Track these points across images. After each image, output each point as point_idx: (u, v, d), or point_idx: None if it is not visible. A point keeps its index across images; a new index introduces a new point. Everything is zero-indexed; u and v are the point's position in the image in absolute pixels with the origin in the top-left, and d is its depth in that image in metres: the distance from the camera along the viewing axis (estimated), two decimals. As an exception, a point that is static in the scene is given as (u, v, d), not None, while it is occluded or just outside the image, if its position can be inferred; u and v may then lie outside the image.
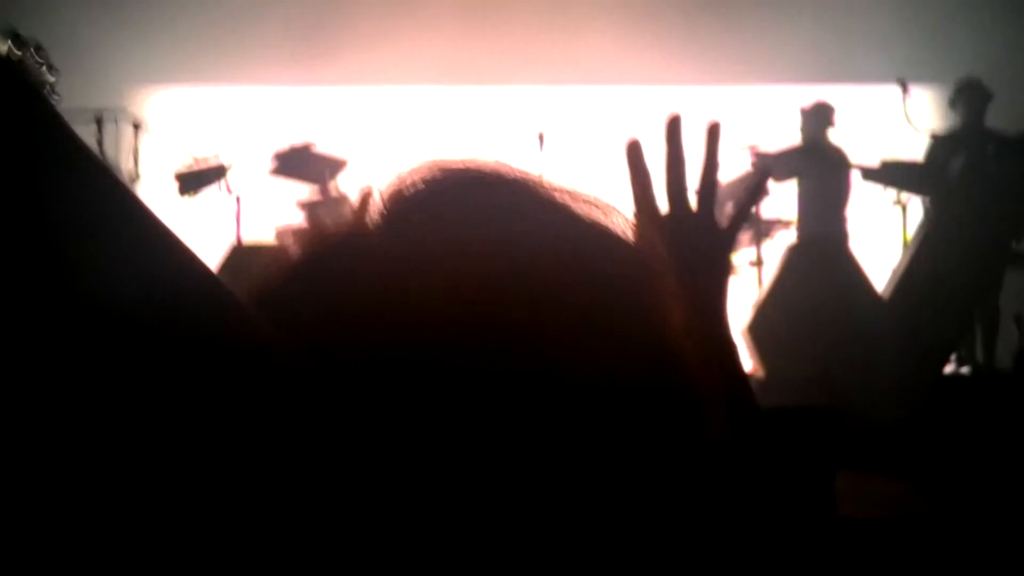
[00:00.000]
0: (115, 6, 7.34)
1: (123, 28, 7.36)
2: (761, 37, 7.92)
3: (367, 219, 0.50)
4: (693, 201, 0.88)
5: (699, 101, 8.31)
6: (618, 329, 0.47)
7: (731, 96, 8.24)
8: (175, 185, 5.72)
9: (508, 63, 7.85)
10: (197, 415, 0.37)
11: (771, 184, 5.87)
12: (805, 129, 6.26)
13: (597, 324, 0.47)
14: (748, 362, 5.09)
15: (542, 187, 0.52)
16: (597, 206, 0.52)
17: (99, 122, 5.86)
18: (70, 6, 7.15)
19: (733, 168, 5.95)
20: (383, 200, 0.51)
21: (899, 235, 5.80)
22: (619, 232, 0.52)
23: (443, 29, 7.72)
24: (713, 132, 0.90)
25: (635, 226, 0.52)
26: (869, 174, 5.79)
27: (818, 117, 6.22)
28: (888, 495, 3.57)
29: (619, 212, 0.53)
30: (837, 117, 6.25)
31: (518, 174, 0.52)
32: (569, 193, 0.52)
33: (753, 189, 0.99)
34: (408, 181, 0.51)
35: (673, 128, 0.89)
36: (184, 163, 5.88)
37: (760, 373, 4.78)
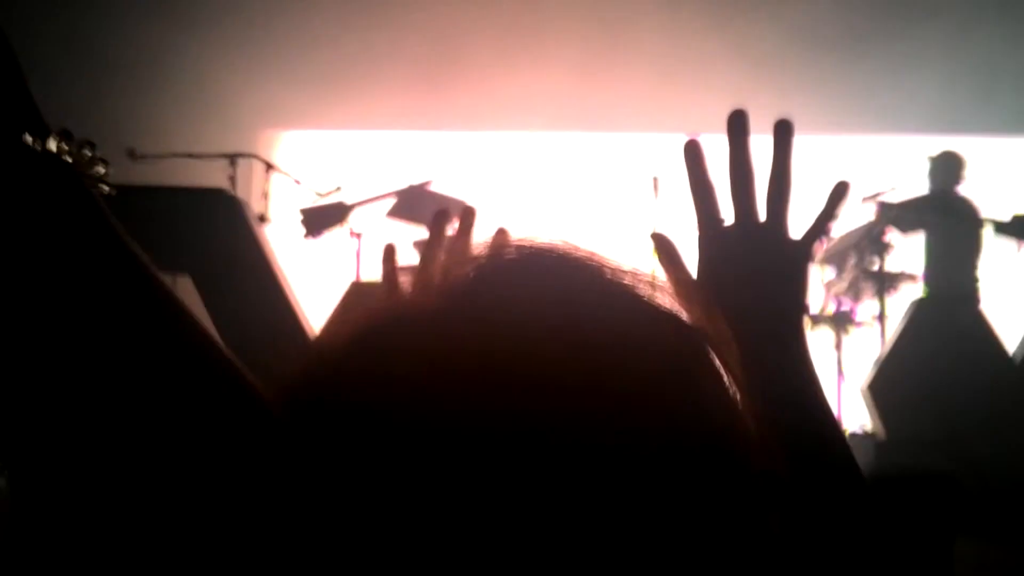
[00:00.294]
0: (246, 54, 7.73)
1: (254, 74, 7.74)
2: (889, 85, 7.73)
3: (429, 292, 0.52)
4: (763, 210, 0.81)
5: (823, 150, 8.16)
6: (669, 410, 0.47)
7: (858, 146, 8.06)
8: (300, 225, 5.93)
9: (624, 110, 7.89)
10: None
11: (896, 235, 5.70)
12: (933, 179, 6.06)
13: (647, 405, 0.47)
14: (868, 420, 4.91)
15: (605, 267, 0.52)
16: (658, 287, 0.53)
17: (232, 164, 6.14)
18: (203, 55, 7.57)
19: (856, 218, 5.81)
20: (446, 273, 0.52)
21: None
22: (674, 312, 0.52)
23: (560, 76, 7.82)
24: (784, 130, 0.83)
25: (695, 303, 0.53)
26: (1001, 228, 5.56)
27: (947, 167, 6.03)
28: (1009, 565, 3.37)
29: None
30: (968, 170, 6.03)
31: (581, 254, 0.53)
32: (631, 274, 0.53)
33: (834, 201, 0.88)
34: (472, 256, 0.53)
35: (739, 126, 0.82)
36: (309, 201, 6.11)
37: (881, 433, 4.60)
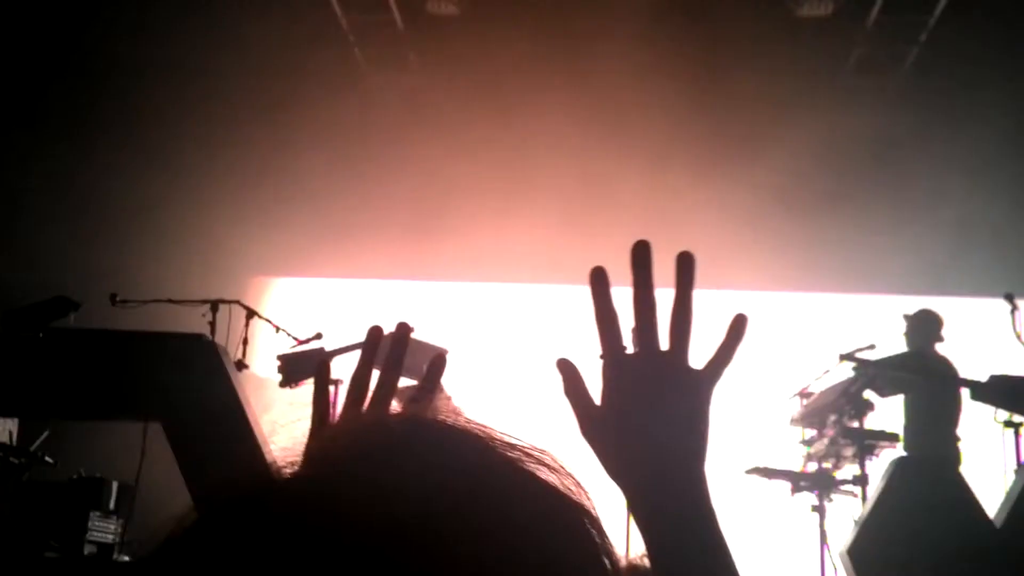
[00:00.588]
0: (231, 203, 7.91)
1: (239, 223, 7.89)
2: (869, 246, 7.92)
3: (295, 465, 0.53)
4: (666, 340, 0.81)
5: (800, 307, 8.26)
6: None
7: (835, 304, 8.17)
8: (278, 372, 5.90)
9: (605, 264, 8.00)
10: None
11: (874, 396, 5.69)
12: (911, 338, 6.11)
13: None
14: (849, 586, 4.77)
15: (494, 439, 0.54)
16: (543, 462, 0.54)
17: (214, 310, 6.17)
18: (190, 204, 7.74)
19: (832, 376, 5.82)
20: (319, 448, 0.54)
21: (1011, 456, 5.48)
22: (555, 488, 0.53)
23: (544, 230, 7.99)
24: (686, 263, 0.84)
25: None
26: (978, 390, 5.56)
27: (924, 326, 6.08)
28: None
29: (569, 474, 0.55)
30: (945, 329, 6.09)
31: (473, 426, 0.55)
32: (520, 449, 0.54)
33: (733, 335, 0.91)
34: (344, 429, 0.55)
35: (642, 258, 0.83)
36: (288, 347, 6.09)
37: (861, 599, 4.47)
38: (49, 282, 5.68)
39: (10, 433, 4.95)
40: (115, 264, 7.10)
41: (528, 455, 0.54)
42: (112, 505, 4.89)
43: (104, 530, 4.82)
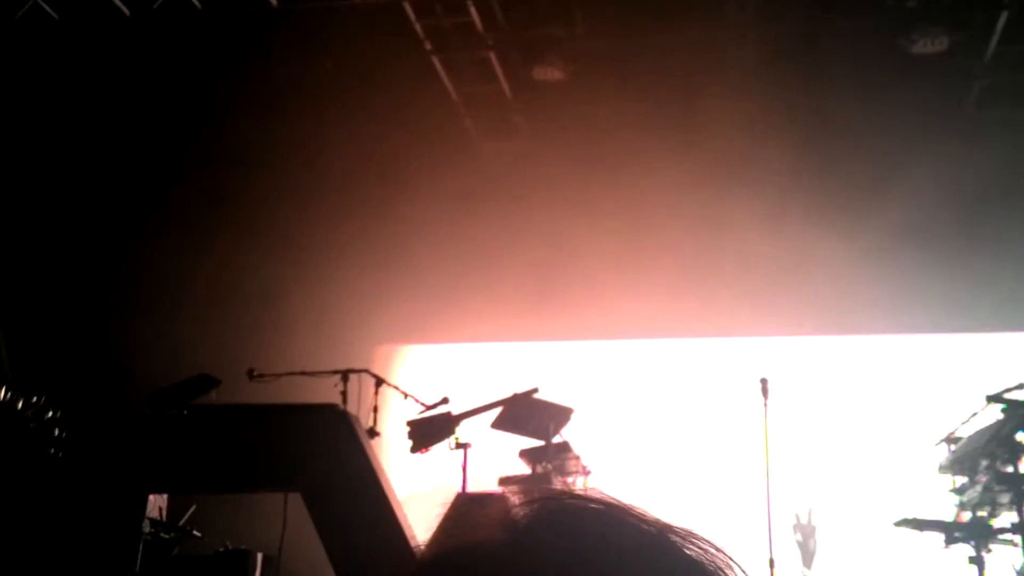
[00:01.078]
0: (355, 279, 8.15)
1: (366, 295, 8.13)
2: (1007, 281, 7.56)
3: (495, 527, 0.59)
4: None
5: (941, 349, 7.90)
6: None
7: (978, 344, 7.79)
8: (408, 438, 5.99)
9: (730, 314, 7.88)
10: None
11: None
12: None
13: None
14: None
15: (642, 518, 0.59)
16: (693, 538, 0.58)
17: (345, 379, 6.34)
18: (319, 281, 8.03)
19: (980, 420, 5.52)
20: (510, 514, 0.59)
21: None
22: (708, 562, 0.57)
23: (665, 283, 7.93)
24: None
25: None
26: None
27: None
28: None
29: (717, 547, 0.58)
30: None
31: (619, 504, 0.59)
32: (665, 525, 0.58)
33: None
34: (530, 502, 0.60)
35: None
36: (417, 413, 6.19)
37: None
38: (190, 365, 5.96)
39: (160, 509, 5.17)
40: (249, 343, 7.41)
41: (671, 528, 0.58)
42: (257, 576, 5.03)
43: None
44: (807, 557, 5.47)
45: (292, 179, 8.31)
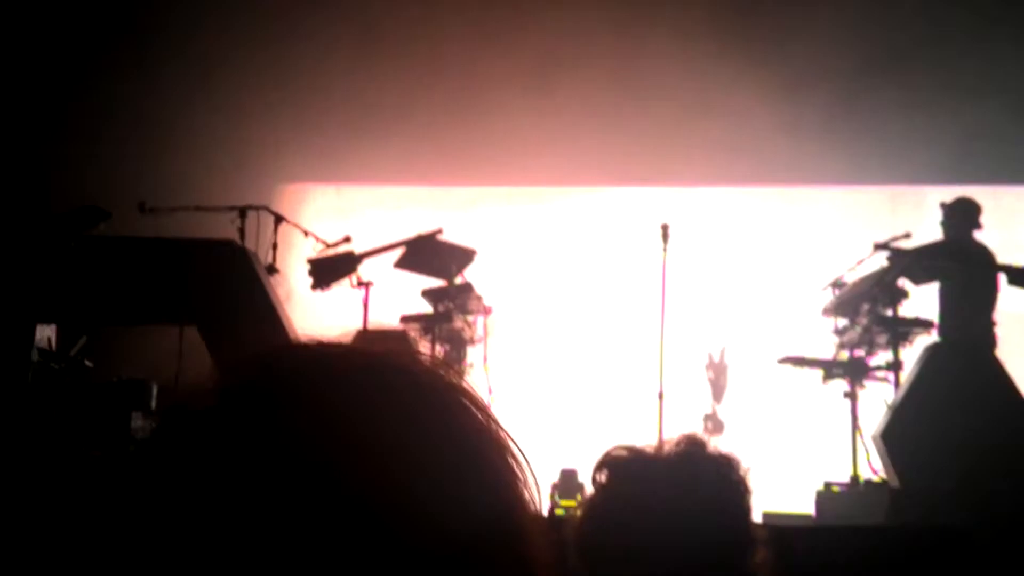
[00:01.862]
0: (259, 110, 7.84)
1: (266, 129, 7.85)
2: (904, 136, 7.73)
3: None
4: None
5: (841, 200, 8.13)
6: (468, 495, 0.53)
7: (869, 194, 8.03)
8: (308, 276, 5.93)
9: (632, 164, 7.91)
10: None
11: (908, 285, 5.62)
12: (948, 227, 6.01)
13: (442, 488, 0.52)
14: (882, 469, 4.79)
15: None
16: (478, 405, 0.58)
17: (242, 216, 6.19)
18: (218, 112, 7.69)
19: (867, 266, 5.75)
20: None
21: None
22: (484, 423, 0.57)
23: (571, 132, 7.87)
24: None
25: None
26: (1014, 276, 5.47)
27: (962, 215, 5.97)
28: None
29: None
30: (982, 217, 5.97)
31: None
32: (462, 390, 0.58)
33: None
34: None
35: None
36: (317, 251, 6.12)
37: (895, 482, 4.48)
38: (77, 196, 5.71)
39: (48, 339, 5.05)
40: (142, 175, 7.12)
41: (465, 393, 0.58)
42: (153, 406, 4.99)
43: (146, 431, 4.93)
44: (717, 392, 5.74)
45: (201, 1, 7.83)
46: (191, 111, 7.66)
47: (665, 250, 5.98)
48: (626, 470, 1.42)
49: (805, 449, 6.79)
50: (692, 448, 1.43)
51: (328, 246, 6.14)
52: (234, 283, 5.42)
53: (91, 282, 5.15)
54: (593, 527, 1.42)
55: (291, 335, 5.42)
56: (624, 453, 1.43)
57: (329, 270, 5.99)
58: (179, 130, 7.63)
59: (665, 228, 6.05)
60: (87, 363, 5.21)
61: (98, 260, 5.23)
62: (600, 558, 1.38)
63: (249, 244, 6.00)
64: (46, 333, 5.03)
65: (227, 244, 5.70)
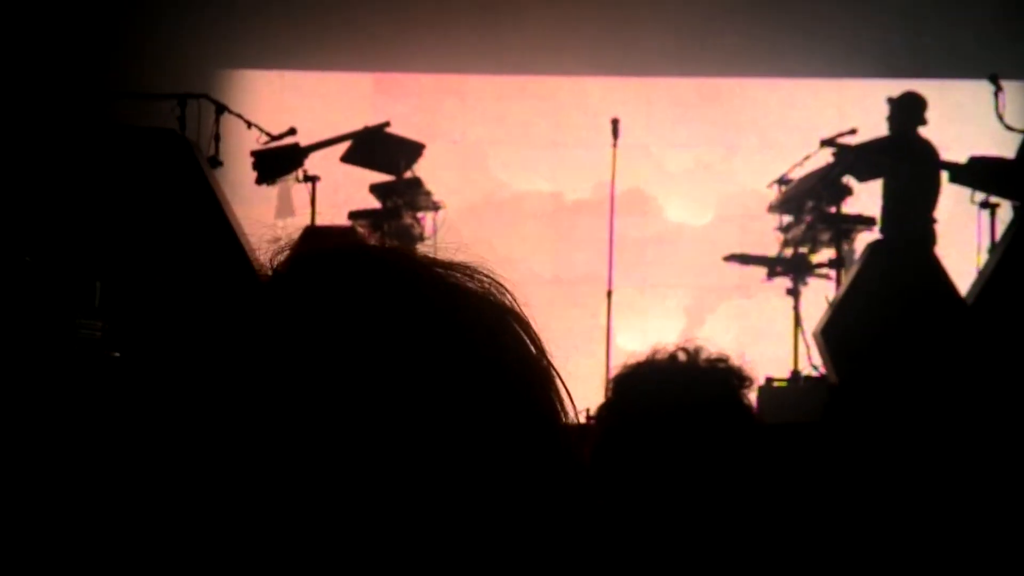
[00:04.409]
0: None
1: (206, 11, 7.50)
2: (846, 28, 7.69)
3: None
4: None
5: (778, 94, 8.11)
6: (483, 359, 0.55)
7: (816, 88, 8.02)
8: (253, 169, 5.80)
9: (579, 54, 7.76)
10: None
11: (852, 181, 5.69)
12: (893, 122, 6.05)
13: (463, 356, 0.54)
14: (821, 364, 4.95)
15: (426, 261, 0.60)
16: (476, 272, 0.60)
17: (182, 105, 5.96)
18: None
19: (813, 163, 5.80)
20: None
21: (986, 237, 5.57)
22: (486, 293, 0.59)
23: (522, 19, 7.67)
24: None
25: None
26: (956, 172, 5.57)
27: (907, 109, 6.01)
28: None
29: (495, 280, 0.60)
30: (927, 112, 6.03)
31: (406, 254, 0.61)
32: (448, 264, 0.60)
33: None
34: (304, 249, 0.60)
35: None
36: (262, 144, 5.96)
37: (832, 379, 4.64)
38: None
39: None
40: (71, 55, 6.80)
41: (455, 268, 0.59)
42: (97, 302, 4.90)
43: (92, 328, 4.86)
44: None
45: None
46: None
47: (615, 145, 5.96)
48: (629, 379, 1.50)
49: (750, 345, 6.97)
50: (688, 349, 1.55)
51: (273, 138, 5.98)
52: (176, 174, 5.27)
53: (21, 172, 4.96)
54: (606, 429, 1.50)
55: (237, 231, 5.32)
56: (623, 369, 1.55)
57: (274, 163, 5.85)
58: (111, 9, 7.26)
59: (615, 123, 6.01)
60: (26, 259, 5.07)
61: (27, 149, 5.02)
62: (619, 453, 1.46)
63: (189, 135, 5.81)
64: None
65: (168, 133, 5.51)
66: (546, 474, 0.54)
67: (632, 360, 1.54)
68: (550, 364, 0.59)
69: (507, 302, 0.59)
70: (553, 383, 0.58)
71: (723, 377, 1.53)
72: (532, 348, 0.58)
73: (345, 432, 0.50)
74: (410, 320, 0.53)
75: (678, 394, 1.49)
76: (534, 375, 0.57)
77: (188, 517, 0.49)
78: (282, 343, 0.52)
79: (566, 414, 0.58)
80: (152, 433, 0.52)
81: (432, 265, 0.58)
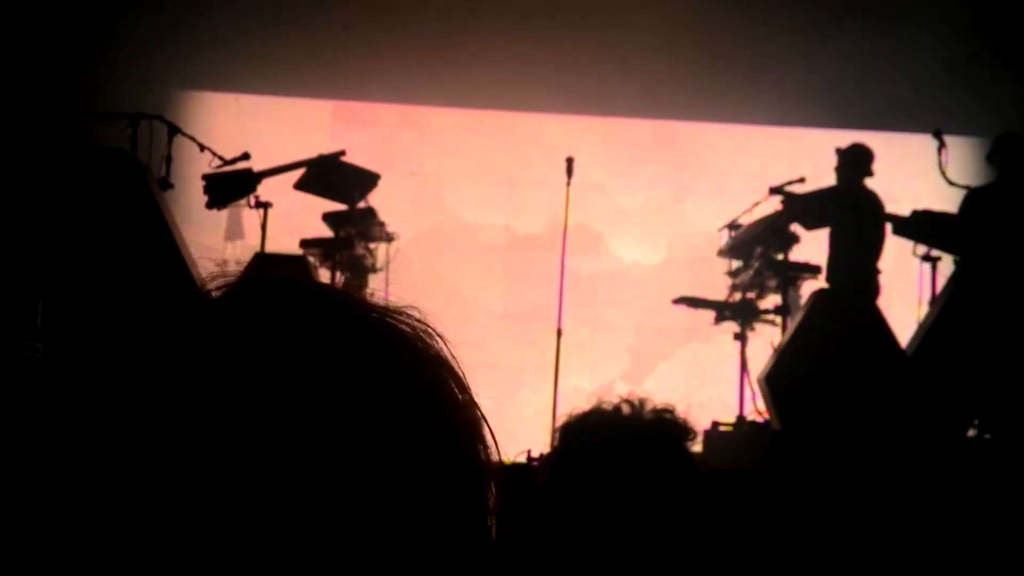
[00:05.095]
0: (151, 13, 7.42)
1: (160, 31, 7.45)
2: (800, 79, 7.87)
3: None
4: None
5: (731, 140, 8.26)
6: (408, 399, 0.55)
7: (769, 136, 8.19)
8: (204, 193, 5.73)
9: (538, 92, 7.84)
10: None
11: (799, 229, 5.79)
12: (841, 172, 6.18)
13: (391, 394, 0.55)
14: (764, 409, 5.00)
15: (351, 301, 0.60)
16: (408, 320, 0.60)
17: (134, 125, 5.89)
18: (109, 12, 7.24)
19: (762, 209, 5.90)
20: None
21: (927, 290, 5.69)
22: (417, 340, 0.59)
23: (482, 52, 7.73)
24: None
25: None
26: (900, 225, 5.70)
27: (855, 160, 6.14)
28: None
29: (427, 327, 0.60)
30: (874, 164, 6.16)
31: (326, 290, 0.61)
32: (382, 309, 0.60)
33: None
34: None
35: None
36: (213, 166, 5.90)
37: (776, 425, 4.69)
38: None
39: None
40: (24, 73, 6.69)
41: (390, 312, 0.59)
42: (39, 323, 4.79)
43: (32, 350, 4.75)
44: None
45: None
46: (81, 7, 7.20)
47: (569, 184, 6.01)
48: (574, 428, 1.52)
49: (695, 388, 7.03)
50: (633, 401, 1.57)
51: (225, 162, 5.93)
52: (126, 197, 5.19)
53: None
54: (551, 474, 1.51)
55: (184, 253, 5.25)
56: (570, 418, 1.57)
57: (226, 188, 5.80)
58: (70, 26, 7.17)
59: (570, 161, 6.07)
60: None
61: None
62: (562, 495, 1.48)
63: (141, 156, 5.74)
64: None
65: (119, 154, 5.43)
66: (457, 528, 0.54)
67: (578, 409, 1.55)
68: (477, 412, 0.59)
69: (437, 349, 0.59)
70: (479, 432, 0.59)
71: (667, 429, 1.54)
72: (459, 396, 0.58)
73: (261, 461, 0.50)
74: (339, 358, 0.54)
75: (622, 445, 1.51)
76: (459, 421, 0.57)
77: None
78: (215, 366, 0.52)
79: (490, 463, 0.58)
80: (75, 455, 0.51)
81: (368, 308, 0.59)
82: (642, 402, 1.57)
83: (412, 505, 0.52)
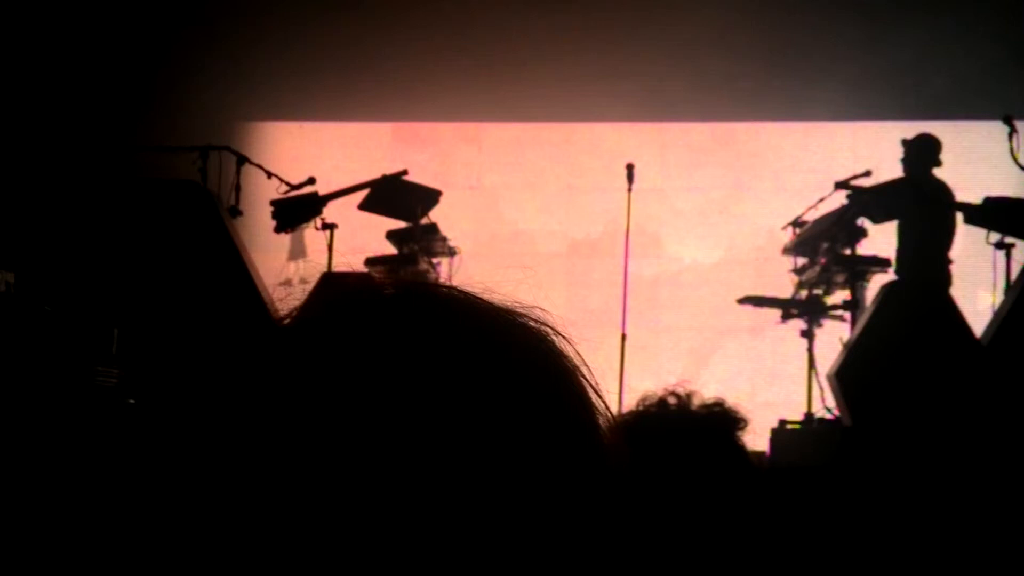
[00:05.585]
0: (221, 46, 7.67)
1: (228, 66, 7.69)
2: (859, 71, 7.73)
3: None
4: None
5: (790, 137, 8.16)
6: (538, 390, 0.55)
7: (830, 131, 8.06)
8: (272, 218, 5.90)
9: (593, 101, 7.85)
10: None
11: (868, 223, 5.69)
12: (908, 163, 6.06)
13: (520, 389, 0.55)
14: (835, 406, 4.92)
15: (480, 301, 0.60)
16: (530, 316, 0.60)
17: (204, 157, 6.10)
18: (179, 47, 7.51)
19: (827, 205, 5.82)
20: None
21: (1001, 278, 5.54)
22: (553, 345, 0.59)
23: (537, 68, 7.79)
24: None
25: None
26: (971, 213, 5.56)
27: (922, 151, 6.02)
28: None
29: (558, 331, 0.60)
30: (941, 153, 6.03)
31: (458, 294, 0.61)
32: (505, 308, 0.60)
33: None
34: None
35: None
36: (281, 193, 6.07)
37: (846, 421, 4.61)
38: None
39: (7, 284, 5.00)
40: (98, 112, 6.98)
41: (521, 315, 0.59)
42: (114, 349, 4.99)
43: (108, 376, 4.94)
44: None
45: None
46: (150, 47, 7.49)
47: (630, 190, 6.02)
48: (622, 423, 1.56)
49: (764, 387, 6.94)
50: (679, 392, 1.57)
51: (292, 187, 6.09)
52: (197, 227, 5.38)
53: (47, 225, 5.09)
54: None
55: (256, 280, 5.42)
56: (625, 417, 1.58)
57: (293, 212, 5.96)
58: (136, 65, 7.47)
59: (630, 168, 6.08)
60: (46, 307, 5.18)
61: (54, 201, 5.16)
62: None
63: (211, 186, 5.94)
64: (5, 278, 4.98)
65: (190, 186, 5.64)
66: (588, 487, 0.55)
67: (628, 409, 1.58)
68: (606, 406, 0.59)
69: (569, 350, 0.59)
70: (617, 441, 0.58)
71: (715, 420, 1.54)
72: (599, 402, 0.58)
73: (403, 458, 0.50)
74: (487, 365, 0.54)
75: (668, 436, 1.52)
76: (600, 431, 0.57)
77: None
78: (312, 387, 0.52)
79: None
80: (167, 483, 0.52)
81: (500, 311, 0.59)
82: (689, 394, 1.58)
83: (561, 504, 0.52)
